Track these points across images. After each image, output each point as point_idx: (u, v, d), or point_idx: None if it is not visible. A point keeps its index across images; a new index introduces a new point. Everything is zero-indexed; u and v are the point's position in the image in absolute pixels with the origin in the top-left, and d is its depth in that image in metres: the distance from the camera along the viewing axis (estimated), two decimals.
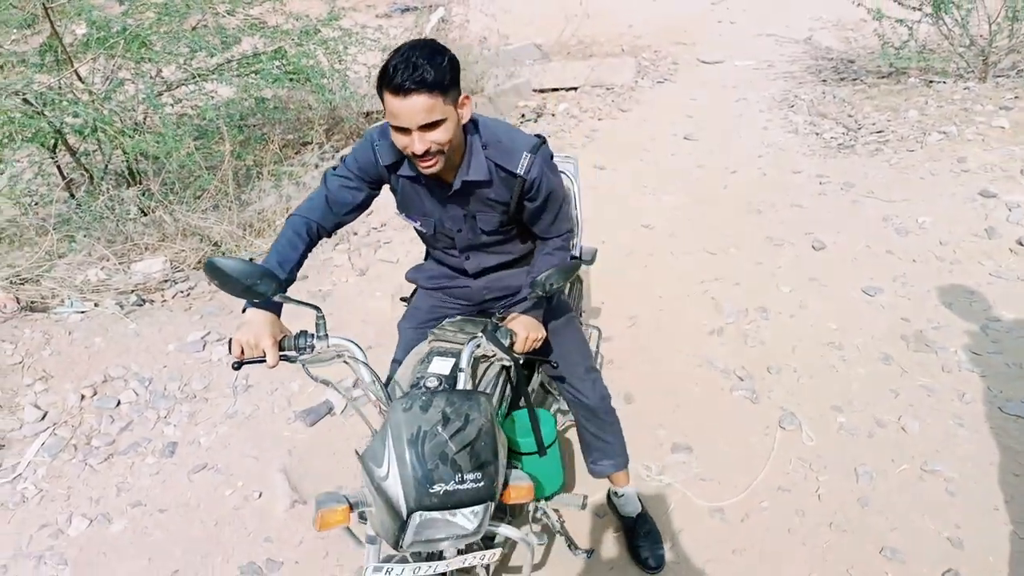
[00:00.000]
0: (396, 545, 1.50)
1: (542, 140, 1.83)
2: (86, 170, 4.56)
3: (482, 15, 7.20)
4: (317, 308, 1.62)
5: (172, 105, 4.82)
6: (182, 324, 3.49)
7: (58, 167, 4.63)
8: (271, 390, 3.11)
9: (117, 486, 2.72)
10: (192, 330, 3.44)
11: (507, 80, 6.86)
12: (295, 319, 2.16)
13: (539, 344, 1.86)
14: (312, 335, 1.63)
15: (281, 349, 1.61)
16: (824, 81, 6.85)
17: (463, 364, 1.72)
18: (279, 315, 1.66)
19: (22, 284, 3.75)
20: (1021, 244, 3.68)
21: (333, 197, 1.85)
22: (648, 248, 4.00)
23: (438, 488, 1.45)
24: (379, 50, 5.26)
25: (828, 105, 6.15)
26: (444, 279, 2.13)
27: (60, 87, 4.27)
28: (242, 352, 1.59)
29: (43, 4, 4.16)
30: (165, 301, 3.73)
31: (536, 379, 2.32)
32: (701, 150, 5.38)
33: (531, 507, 2.12)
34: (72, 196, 4.54)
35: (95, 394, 3.09)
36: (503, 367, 1.97)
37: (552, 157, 1.89)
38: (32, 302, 3.60)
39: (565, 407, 2.42)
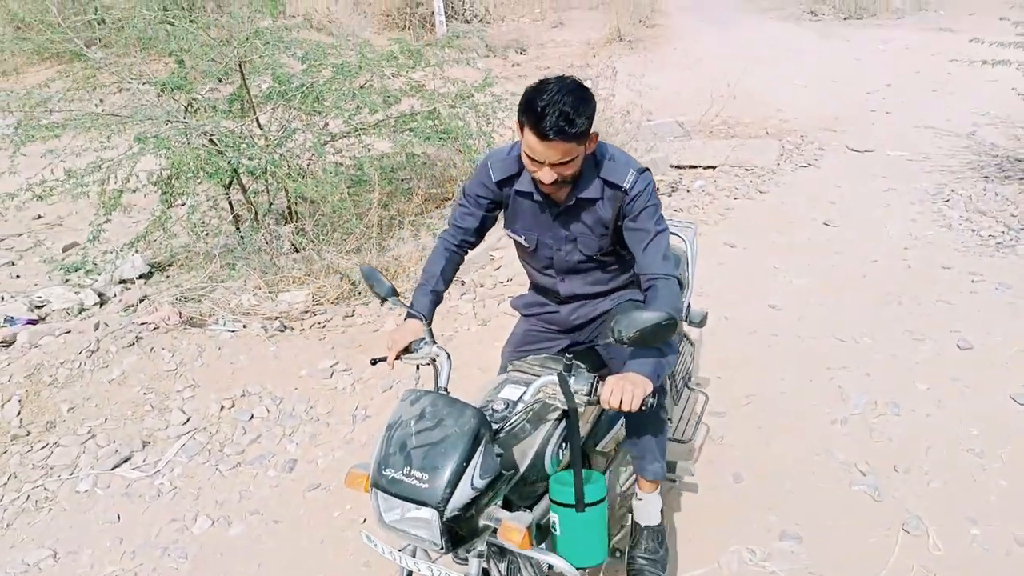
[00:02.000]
0: (377, 519, 1.65)
1: (648, 169, 1.98)
2: (253, 207, 5.04)
3: (628, 90, 7.40)
4: (423, 318, 1.99)
5: (333, 155, 5.27)
6: (315, 352, 3.76)
7: (229, 203, 5.15)
8: None
9: (240, 493, 2.93)
10: (324, 359, 3.69)
11: (645, 154, 6.96)
12: None
13: (636, 405, 1.68)
14: (425, 341, 1.96)
15: (407, 351, 1.95)
16: (986, 178, 6.46)
17: (528, 395, 1.76)
18: (427, 321, 2.00)
19: (186, 301, 4.18)
20: None
21: (457, 223, 2.13)
22: (773, 328, 3.89)
23: (388, 472, 1.59)
24: None
25: (988, 202, 5.80)
26: (537, 306, 2.29)
27: (242, 132, 4.80)
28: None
29: (238, 59, 4.73)
30: (303, 330, 4.03)
31: (612, 434, 2.29)
32: (840, 237, 5.20)
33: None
34: (237, 229, 5.02)
35: (233, 406, 3.37)
36: (563, 411, 1.87)
37: (655, 187, 1.98)
38: (192, 318, 3.99)
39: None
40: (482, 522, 1.65)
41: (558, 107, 1.69)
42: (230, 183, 5.00)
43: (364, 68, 5.25)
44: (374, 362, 2.03)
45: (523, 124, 1.77)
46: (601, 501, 1.83)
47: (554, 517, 1.84)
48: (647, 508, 2.24)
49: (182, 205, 5.07)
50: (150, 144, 4.36)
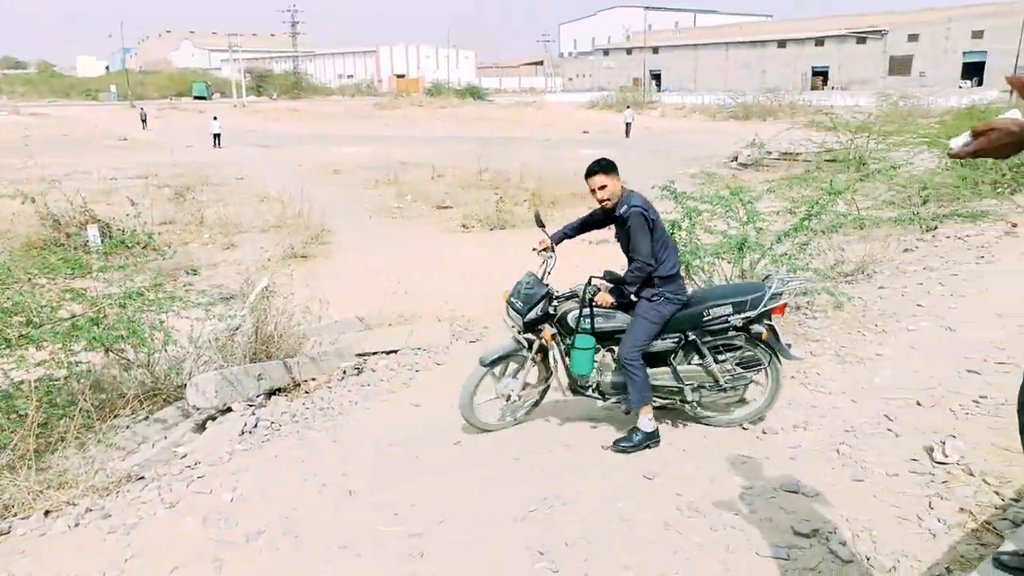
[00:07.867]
0: (508, 315, 4.54)
1: (640, 207, 4.17)
2: None
3: (305, 287, 7.86)
4: (555, 240, 4.53)
5: None
6: None
7: None
8: None
9: None
10: None
11: (330, 345, 7.34)
12: None
13: (606, 304, 4.30)
14: (552, 255, 4.55)
15: (546, 250, 4.51)
16: None
17: (580, 292, 4.41)
18: (555, 242, 4.52)
19: None
20: (769, 432, 4.40)
21: (589, 217, 4.55)
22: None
23: (514, 300, 4.45)
24: (203, 308, 5.60)
25: None
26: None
27: None
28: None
29: None
30: None
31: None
32: None
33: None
34: None
35: None
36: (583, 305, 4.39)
37: (642, 212, 4.13)
38: None
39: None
40: (537, 326, 4.43)
41: (595, 161, 4.24)
42: None
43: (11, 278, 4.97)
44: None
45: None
46: (592, 347, 4.30)
47: (574, 354, 4.32)
48: (642, 419, 4.29)
49: None
50: None
